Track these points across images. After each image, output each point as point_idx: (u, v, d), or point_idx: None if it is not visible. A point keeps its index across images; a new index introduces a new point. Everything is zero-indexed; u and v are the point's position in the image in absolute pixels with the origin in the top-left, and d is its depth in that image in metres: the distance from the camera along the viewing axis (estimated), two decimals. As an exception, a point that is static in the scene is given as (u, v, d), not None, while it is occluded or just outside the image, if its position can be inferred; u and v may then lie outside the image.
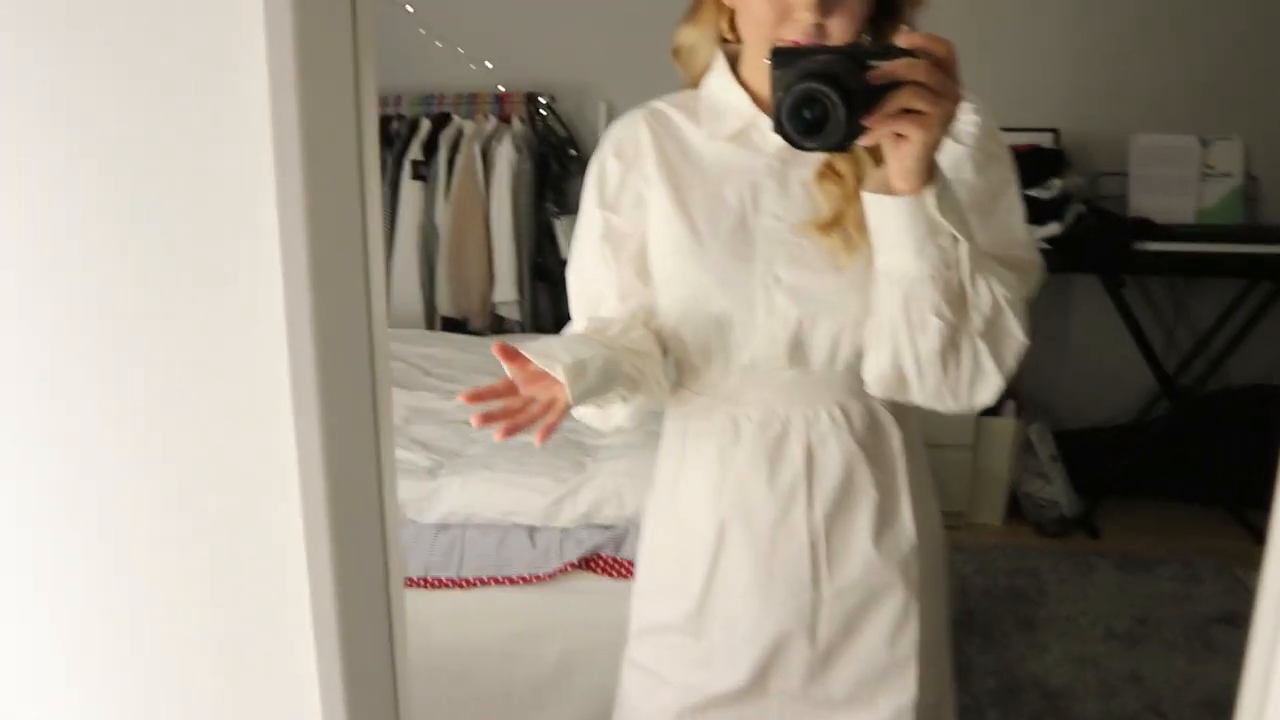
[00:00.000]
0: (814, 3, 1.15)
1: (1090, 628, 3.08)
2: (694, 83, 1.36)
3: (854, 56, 1.01)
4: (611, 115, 4.45)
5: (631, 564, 2.20)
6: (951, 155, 1.19)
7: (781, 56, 1.02)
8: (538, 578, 2.21)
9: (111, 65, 0.84)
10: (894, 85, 0.99)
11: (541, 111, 4.40)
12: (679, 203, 1.30)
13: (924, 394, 1.20)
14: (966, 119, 1.21)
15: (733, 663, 1.34)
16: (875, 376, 1.22)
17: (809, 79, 0.98)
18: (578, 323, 1.38)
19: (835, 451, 1.30)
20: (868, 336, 1.22)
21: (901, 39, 1.02)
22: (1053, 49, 3.97)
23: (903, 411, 1.33)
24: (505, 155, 4.21)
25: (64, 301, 0.91)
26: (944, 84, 1.00)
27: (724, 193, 1.29)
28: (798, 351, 1.28)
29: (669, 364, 1.38)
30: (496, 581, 2.23)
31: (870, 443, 1.32)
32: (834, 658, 1.33)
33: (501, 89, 4.38)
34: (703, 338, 1.30)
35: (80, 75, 0.85)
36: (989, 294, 1.13)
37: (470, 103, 4.33)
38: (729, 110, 1.30)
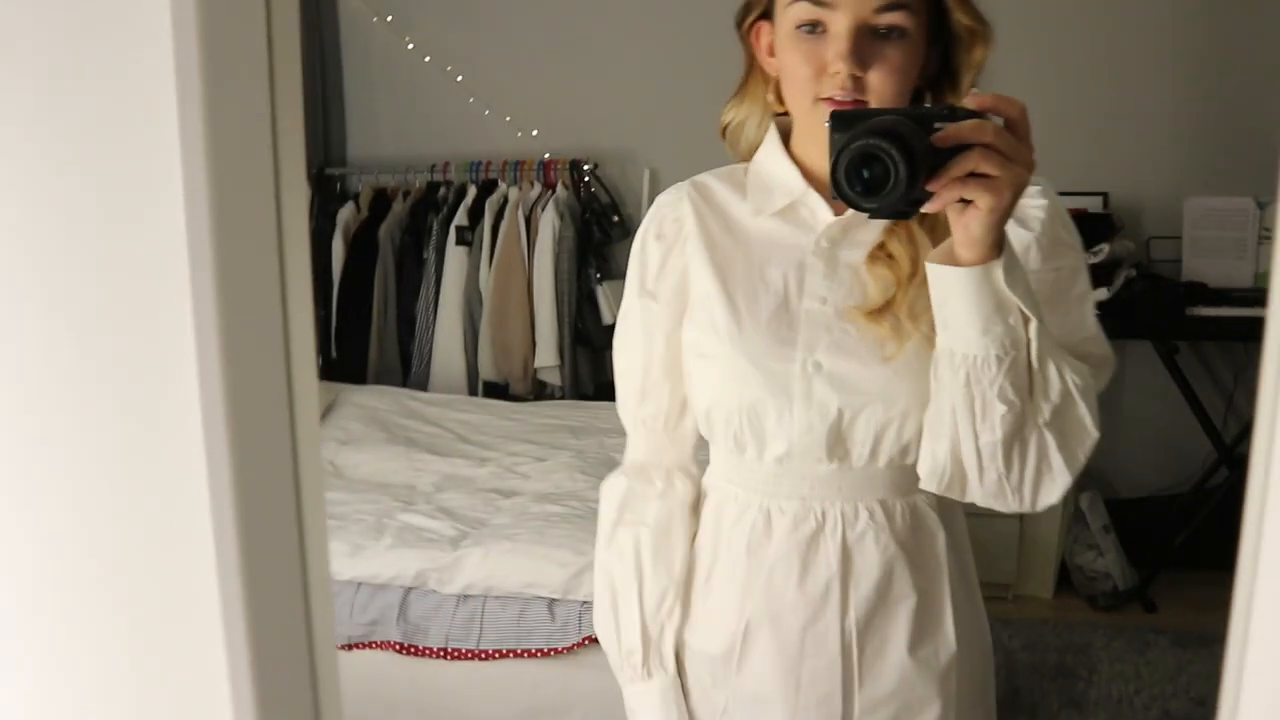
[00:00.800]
0: (846, 52, 1.09)
1: (1144, 710, 2.96)
2: (744, 160, 1.30)
3: (918, 118, 0.96)
4: (655, 182, 4.47)
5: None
6: (1017, 242, 1.09)
7: (841, 119, 0.98)
8: (556, 651, 2.19)
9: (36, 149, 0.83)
10: (961, 149, 0.94)
11: (585, 178, 4.43)
12: (720, 281, 1.23)
13: (983, 491, 1.11)
14: (1033, 202, 1.13)
15: None
16: (931, 470, 1.13)
17: (872, 137, 0.93)
18: (631, 423, 1.34)
19: (873, 552, 1.20)
20: (925, 426, 1.13)
21: (970, 100, 0.97)
22: (1102, 111, 3.92)
23: (950, 511, 1.25)
24: (549, 221, 4.24)
25: None
26: (1015, 148, 0.95)
27: (767, 272, 1.22)
28: (837, 444, 1.18)
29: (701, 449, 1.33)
30: (515, 654, 2.21)
31: (912, 544, 1.22)
32: None
33: (547, 156, 4.43)
34: (736, 424, 1.22)
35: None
36: (1059, 380, 1.05)
37: (516, 169, 4.38)
38: (777, 185, 1.23)
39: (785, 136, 1.25)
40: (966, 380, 1.04)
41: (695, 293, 1.25)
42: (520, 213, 4.25)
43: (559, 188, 4.35)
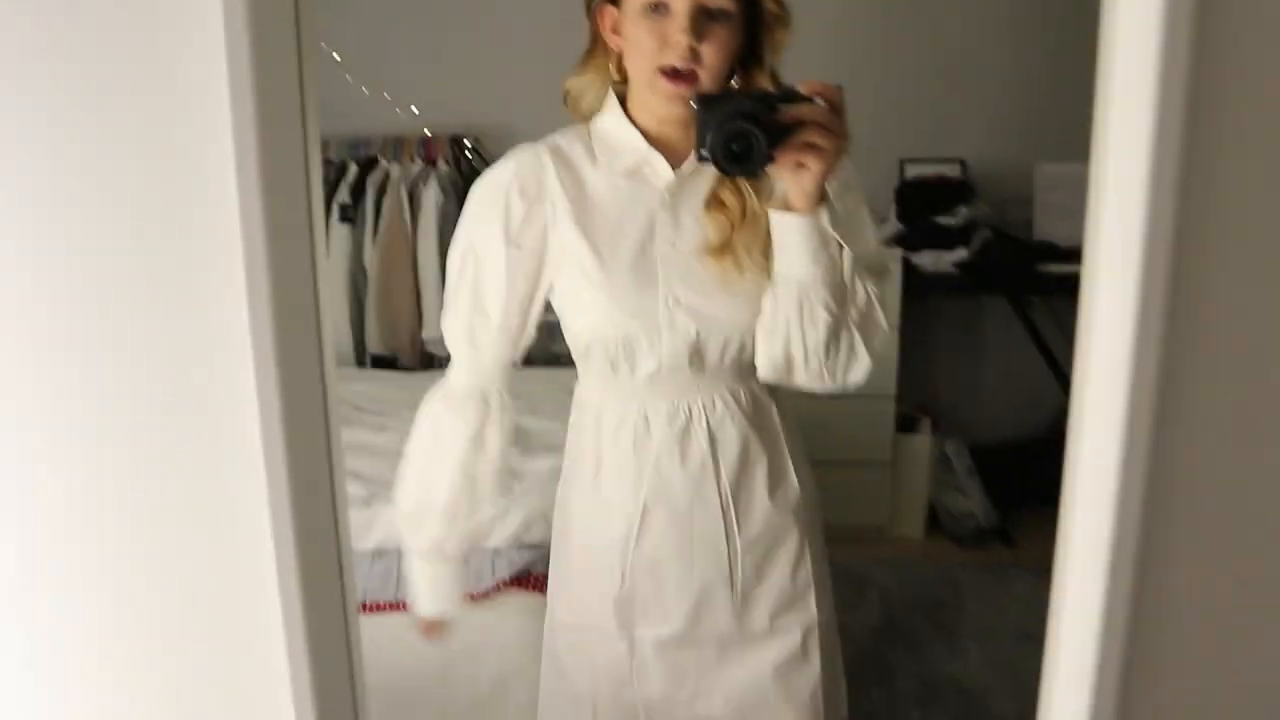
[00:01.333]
0: (686, 27, 1.35)
1: (1009, 635, 3.20)
2: (583, 120, 1.54)
3: (765, 100, 1.27)
4: (535, 155, 4.56)
5: (562, 581, 2.29)
6: (829, 187, 1.36)
7: (705, 100, 1.27)
8: (473, 596, 2.29)
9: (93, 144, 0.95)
10: (798, 124, 1.25)
11: (467, 154, 4.50)
12: (584, 234, 1.46)
13: (807, 376, 1.45)
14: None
15: (665, 616, 1.54)
16: (768, 365, 1.46)
17: (738, 119, 1.24)
18: (456, 344, 1.58)
19: (732, 430, 1.51)
20: (761, 332, 1.44)
21: (803, 86, 1.27)
22: (957, 81, 4.14)
23: (777, 392, 1.57)
24: (431, 197, 4.30)
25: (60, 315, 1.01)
26: (838, 125, 1.27)
27: (623, 224, 1.46)
28: (695, 357, 1.47)
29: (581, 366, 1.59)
30: None
31: (756, 419, 1.53)
32: (750, 598, 1.54)
33: (427, 133, 4.48)
34: (612, 353, 1.48)
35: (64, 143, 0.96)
36: (864, 292, 1.40)
37: (397, 146, 4.43)
38: (624, 148, 1.47)
39: (621, 104, 1.49)
40: (799, 298, 1.37)
41: (562, 247, 1.48)
42: (403, 189, 4.31)
43: (440, 163, 4.41)
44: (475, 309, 1.54)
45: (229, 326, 0.95)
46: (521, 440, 2.95)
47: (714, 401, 1.50)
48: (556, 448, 2.78)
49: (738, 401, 1.51)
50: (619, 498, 1.53)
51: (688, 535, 1.52)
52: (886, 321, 1.44)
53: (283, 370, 0.93)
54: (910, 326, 3.72)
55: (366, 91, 4.46)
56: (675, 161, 1.46)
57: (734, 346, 1.48)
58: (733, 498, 1.51)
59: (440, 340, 4.17)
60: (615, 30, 1.44)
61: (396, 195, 4.28)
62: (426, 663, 2.30)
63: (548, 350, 4.76)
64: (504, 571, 2.31)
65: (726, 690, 1.56)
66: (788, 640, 1.55)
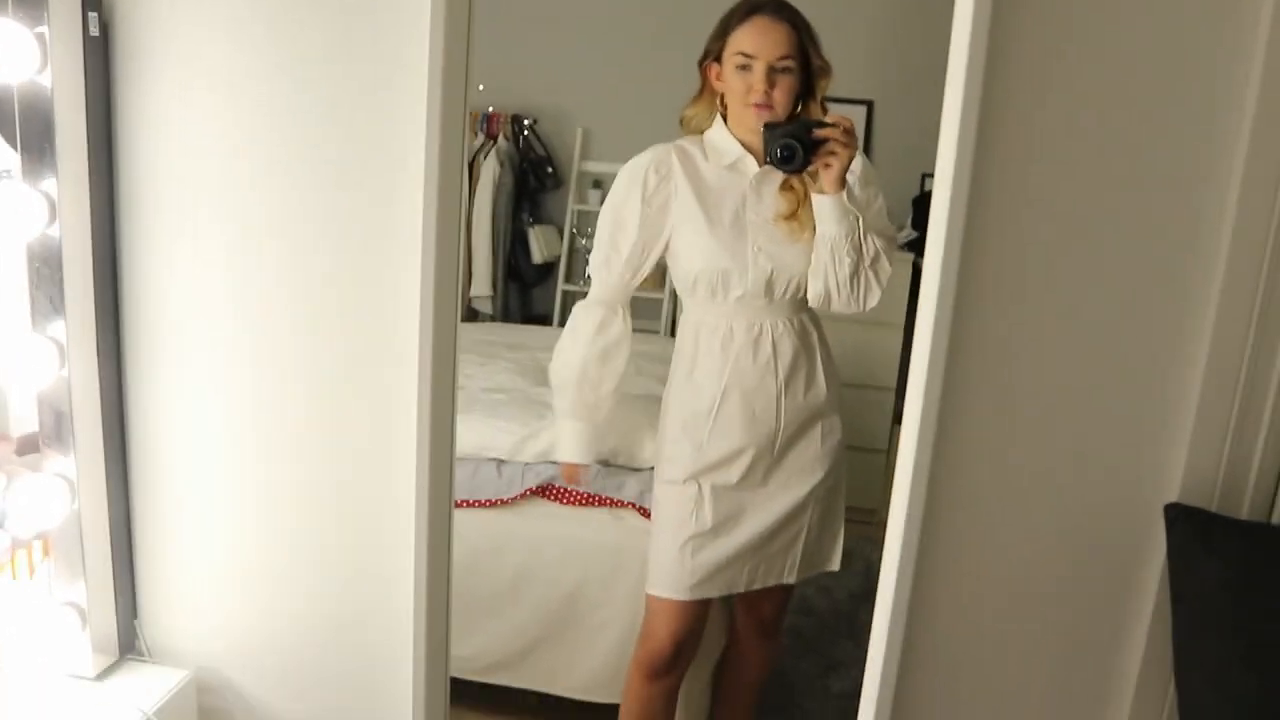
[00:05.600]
0: (762, 80, 2.02)
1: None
2: (695, 133, 2.18)
3: (806, 125, 1.94)
4: (587, 139, 4.96)
5: (578, 494, 2.68)
6: (850, 178, 2.01)
7: (769, 126, 1.95)
8: (502, 501, 2.66)
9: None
10: (825, 139, 1.92)
11: (525, 132, 4.88)
12: (700, 203, 2.10)
13: (840, 303, 2.05)
14: (857, 162, 2.04)
15: (728, 471, 2.17)
16: (814, 295, 2.07)
17: (786, 137, 1.91)
18: (596, 270, 2.21)
19: (788, 343, 2.14)
20: (810, 273, 2.06)
21: (829, 118, 1.96)
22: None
23: (816, 322, 2.20)
24: (490, 168, 4.69)
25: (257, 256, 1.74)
26: (851, 140, 1.94)
27: (724, 198, 2.11)
28: (769, 289, 2.10)
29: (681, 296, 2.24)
30: (468, 504, 2.68)
31: (804, 339, 2.16)
32: (780, 460, 2.18)
33: (491, 109, 4.88)
34: (714, 283, 2.11)
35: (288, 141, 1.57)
36: (874, 245, 2.02)
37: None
38: (726, 151, 2.13)
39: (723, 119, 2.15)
40: (831, 247, 2.00)
41: (683, 211, 2.11)
42: (463, 159, 4.69)
43: (500, 139, 4.80)
44: (612, 246, 2.15)
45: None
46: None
47: (778, 323, 2.13)
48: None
49: (792, 325, 2.14)
50: (706, 383, 2.15)
51: (751, 411, 2.13)
52: (890, 266, 2.05)
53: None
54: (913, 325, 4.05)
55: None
56: (758, 161, 2.08)
57: (794, 284, 2.09)
58: (785, 389, 2.13)
59: (483, 298, 4.59)
60: (718, 78, 2.10)
61: (458, 164, 4.65)
62: (459, 556, 2.64)
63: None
64: (531, 482, 2.68)
65: (755, 520, 2.19)
66: (796, 494, 2.19)
